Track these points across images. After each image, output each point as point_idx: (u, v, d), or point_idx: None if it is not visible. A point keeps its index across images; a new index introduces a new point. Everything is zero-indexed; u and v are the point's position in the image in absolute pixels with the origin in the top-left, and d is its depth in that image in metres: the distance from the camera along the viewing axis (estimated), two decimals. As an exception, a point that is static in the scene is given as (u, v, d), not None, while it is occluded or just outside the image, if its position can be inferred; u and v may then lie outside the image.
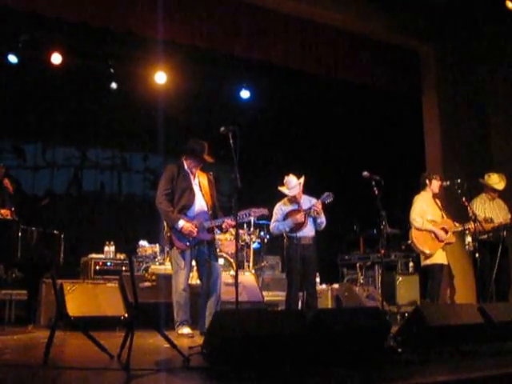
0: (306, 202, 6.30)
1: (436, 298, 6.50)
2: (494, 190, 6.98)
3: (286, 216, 6.25)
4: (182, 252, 5.45)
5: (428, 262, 6.61)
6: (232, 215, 5.39)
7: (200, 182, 5.68)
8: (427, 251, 6.57)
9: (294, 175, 6.36)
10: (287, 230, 6.24)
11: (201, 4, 7.36)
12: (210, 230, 5.59)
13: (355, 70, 8.49)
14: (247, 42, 7.66)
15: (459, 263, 8.01)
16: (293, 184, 6.32)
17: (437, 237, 6.56)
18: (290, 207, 6.31)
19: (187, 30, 7.31)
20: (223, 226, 5.58)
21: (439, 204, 6.82)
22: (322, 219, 6.31)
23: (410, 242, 6.78)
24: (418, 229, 6.60)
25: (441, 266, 6.58)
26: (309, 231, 6.25)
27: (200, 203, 5.59)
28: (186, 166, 5.66)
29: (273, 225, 6.38)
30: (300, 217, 6.16)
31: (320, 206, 6.18)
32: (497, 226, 6.71)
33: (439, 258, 6.57)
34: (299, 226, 6.16)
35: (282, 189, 6.37)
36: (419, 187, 6.83)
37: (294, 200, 6.35)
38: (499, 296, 6.60)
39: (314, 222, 6.28)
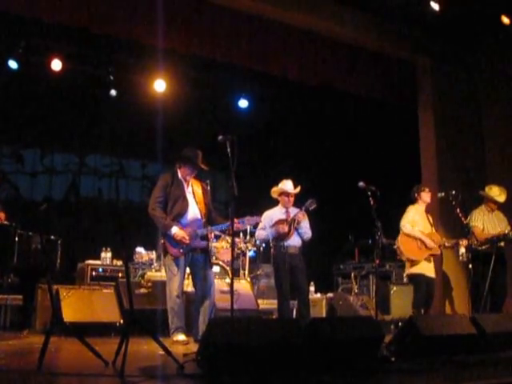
0: (295, 212, 6.36)
1: (421, 308, 6.56)
2: (495, 202, 7.03)
3: (274, 225, 6.32)
4: (176, 259, 5.49)
5: (413, 270, 6.72)
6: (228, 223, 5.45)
7: (194, 191, 5.74)
8: (411, 257, 6.67)
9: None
10: (270, 238, 6.31)
11: (201, 13, 7.40)
12: (204, 238, 5.64)
13: (352, 82, 8.55)
14: (246, 52, 7.72)
15: (453, 274, 8.06)
16: (288, 186, 6.41)
17: (425, 244, 6.64)
18: (278, 216, 6.38)
19: (187, 38, 7.36)
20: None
21: (430, 219, 6.90)
22: (305, 230, 6.38)
23: (396, 246, 6.86)
24: (406, 235, 6.69)
25: (424, 276, 6.66)
26: (295, 241, 6.31)
27: (193, 211, 5.64)
28: (179, 175, 5.72)
29: (258, 232, 6.51)
30: (282, 228, 6.23)
31: (301, 216, 6.25)
32: (490, 237, 6.75)
33: (425, 269, 6.65)
34: (283, 236, 6.22)
35: (275, 189, 6.45)
36: (411, 201, 6.90)
37: (284, 208, 6.42)
38: (493, 307, 6.64)
39: (299, 233, 6.35)
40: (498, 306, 6.75)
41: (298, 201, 6.49)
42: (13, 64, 8.42)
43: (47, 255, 5.92)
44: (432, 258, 6.73)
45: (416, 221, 6.74)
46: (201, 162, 5.66)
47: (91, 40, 7.90)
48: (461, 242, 6.61)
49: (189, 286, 6.29)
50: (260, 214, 6.09)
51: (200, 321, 5.47)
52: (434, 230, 6.83)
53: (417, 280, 6.71)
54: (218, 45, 7.54)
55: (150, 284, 6.70)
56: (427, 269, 6.69)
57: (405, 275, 8.37)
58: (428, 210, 6.95)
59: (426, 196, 6.83)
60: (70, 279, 7.47)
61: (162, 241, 5.60)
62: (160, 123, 8.81)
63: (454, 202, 6.45)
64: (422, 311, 6.59)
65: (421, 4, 7.68)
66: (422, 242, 6.66)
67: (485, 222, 6.97)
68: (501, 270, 6.84)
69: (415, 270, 6.68)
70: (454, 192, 6.49)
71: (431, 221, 6.90)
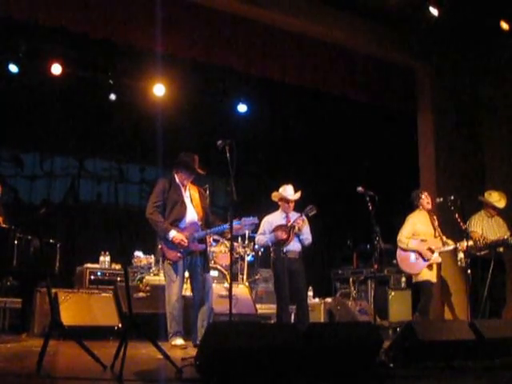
0: (295, 217, 6.37)
1: (426, 314, 6.54)
2: (494, 208, 7.02)
3: (273, 230, 6.33)
4: (174, 264, 5.50)
5: (419, 278, 6.68)
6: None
7: (191, 195, 5.76)
8: (411, 272, 6.68)
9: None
10: (270, 244, 6.33)
11: (200, 18, 7.44)
12: (202, 241, 5.65)
13: (351, 87, 8.57)
14: (245, 56, 7.75)
15: (452, 279, 8.05)
16: (288, 191, 6.42)
17: (422, 256, 6.62)
18: (278, 221, 6.39)
19: (186, 43, 7.40)
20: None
21: (435, 221, 6.84)
22: (306, 236, 6.40)
23: (395, 261, 6.88)
24: (403, 250, 6.68)
25: (430, 282, 6.64)
26: (295, 246, 6.33)
27: (191, 215, 5.66)
28: (177, 179, 5.74)
29: (258, 237, 6.56)
30: (281, 234, 6.25)
31: (301, 222, 6.27)
32: (489, 242, 6.75)
33: (427, 275, 6.63)
34: (283, 241, 6.23)
35: (276, 194, 6.47)
36: (412, 207, 6.89)
37: (284, 213, 6.43)
38: (492, 312, 6.63)
39: (299, 238, 6.36)
40: (497, 311, 6.74)
41: (298, 205, 6.50)
42: (13, 68, 8.46)
43: (46, 259, 5.93)
44: (434, 265, 6.71)
45: (416, 230, 6.70)
46: (197, 166, 5.68)
47: (91, 44, 7.91)
48: (459, 246, 6.59)
49: (187, 290, 6.29)
50: (259, 218, 6.09)
51: (198, 325, 5.47)
52: (438, 234, 6.77)
53: (424, 286, 6.64)
54: (216, 49, 7.57)
55: (148, 288, 6.70)
56: (430, 275, 6.66)
57: (403, 280, 8.42)
58: (433, 213, 6.90)
59: (425, 202, 6.80)
60: (68, 283, 7.47)
61: (160, 246, 5.62)
62: (159, 127, 8.82)
63: (452, 208, 6.44)
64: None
65: (420, 9, 7.71)
66: (420, 253, 6.64)
67: (484, 228, 6.97)
68: (500, 276, 6.84)
69: (420, 277, 6.64)
70: (452, 197, 6.48)
71: (436, 224, 6.82)
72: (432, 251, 6.60)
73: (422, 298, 6.76)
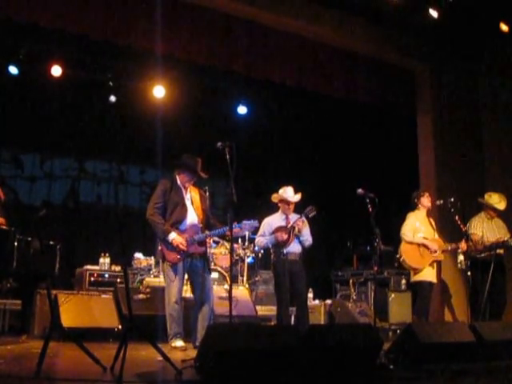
0: (295, 219, 6.37)
1: (424, 316, 6.54)
2: (495, 210, 7.02)
3: (274, 232, 6.34)
4: (174, 265, 5.50)
5: (417, 278, 6.66)
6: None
7: (192, 197, 5.76)
8: (415, 266, 6.63)
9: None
10: (270, 245, 6.34)
11: (200, 20, 7.44)
12: (202, 243, 5.65)
13: (351, 88, 8.57)
14: (245, 58, 7.74)
15: (452, 281, 8.05)
16: (288, 193, 6.43)
17: (428, 248, 6.60)
18: (278, 223, 6.39)
19: (186, 45, 7.39)
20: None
21: (433, 223, 6.86)
22: (306, 237, 6.41)
23: (398, 256, 6.84)
24: (408, 243, 6.66)
25: (429, 283, 6.63)
26: (295, 248, 6.33)
27: (192, 217, 5.66)
28: (178, 181, 5.74)
29: (258, 239, 6.56)
30: (281, 235, 6.25)
31: (301, 223, 6.27)
32: (489, 244, 6.75)
33: (428, 275, 6.62)
34: (283, 243, 6.24)
35: (276, 195, 6.47)
36: (412, 206, 6.89)
37: (284, 215, 6.44)
38: (493, 314, 6.62)
39: (299, 240, 6.36)
40: (497, 313, 6.73)
41: (298, 207, 6.50)
42: (13, 69, 8.46)
43: (46, 260, 5.93)
44: (435, 264, 6.71)
45: (417, 227, 6.71)
46: (200, 169, 5.68)
47: (91, 46, 7.92)
48: (460, 246, 6.58)
49: (187, 292, 6.29)
50: (259, 220, 6.10)
51: (199, 327, 5.47)
52: (436, 235, 6.79)
53: (422, 287, 6.63)
54: (216, 51, 7.56)
55: (148, 290, 6.70)
56: (431, 275, 6.65)
57: (403, 282, 8.41)
58: (430, 215, 6.92)
59: (425, 201, 6.81)
60: (68, 284, 7.47)
61: (160, 247, 5.62)
62: (159, 129, 8.82)
63: (452, 210, 6.45)
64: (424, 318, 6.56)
65: (420, 11, 7.72)
66: (425, 247, 6.63)
67: (484, 230, 6.96)
68: (500, 278, 6.83)
69: (420, 277, 6.62)
70: (452, 199, 6.49)
71: (434, 226, 6.84)
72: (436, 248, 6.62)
73: (418, 299, 6.76)
